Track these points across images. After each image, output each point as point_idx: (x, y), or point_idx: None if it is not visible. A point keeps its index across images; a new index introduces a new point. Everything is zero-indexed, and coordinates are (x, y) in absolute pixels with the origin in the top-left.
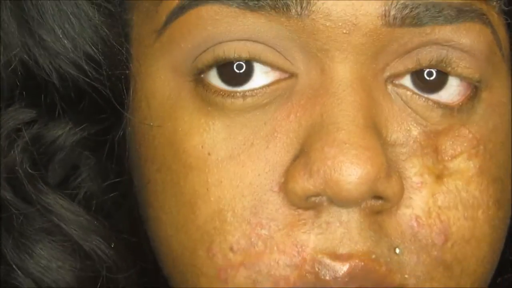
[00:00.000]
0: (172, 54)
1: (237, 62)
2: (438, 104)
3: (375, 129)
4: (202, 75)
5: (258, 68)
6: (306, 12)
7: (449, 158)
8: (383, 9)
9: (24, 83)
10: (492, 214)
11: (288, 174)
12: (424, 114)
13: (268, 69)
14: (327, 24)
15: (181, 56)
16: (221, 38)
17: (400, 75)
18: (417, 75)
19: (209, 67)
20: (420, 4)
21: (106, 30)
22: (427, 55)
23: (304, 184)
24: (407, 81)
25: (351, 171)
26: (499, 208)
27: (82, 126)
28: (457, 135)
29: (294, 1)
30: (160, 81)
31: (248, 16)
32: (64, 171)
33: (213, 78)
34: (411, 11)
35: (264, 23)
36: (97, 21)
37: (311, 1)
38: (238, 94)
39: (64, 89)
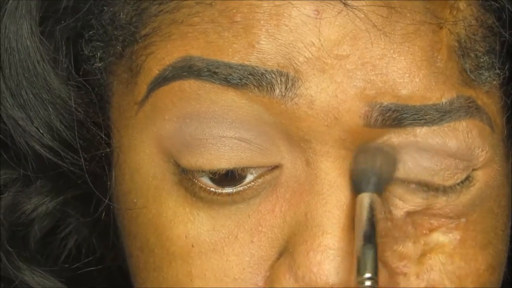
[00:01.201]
0: (156, 125)
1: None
2: (420, 188)
3: None
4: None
5: (250, 171)
6: (290, 94)
7: (427, 232)
8: (366, 109)
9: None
10: (484, 280)
11: (273, 273)
12: (404, 197)
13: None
14: (309, 113)
15: (166, 129)
16: (206, 127)
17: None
18: None
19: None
20: (402, 107)
21: (83, 112)
22: (412, 169)
23: (288, 287)
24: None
25: (337, 279)
26: (492, 273)
27: (63, 193)
28: (434, 214)
29: (279, 81)
30: (145, 155)
31: (231, 95)
32: (45, 230)
33: (203, 177)
34: (392, 114)
35: (246, 104)
36: (73, 105)
37: (296, 84)
38: (225, 193)
39: (42, 167)
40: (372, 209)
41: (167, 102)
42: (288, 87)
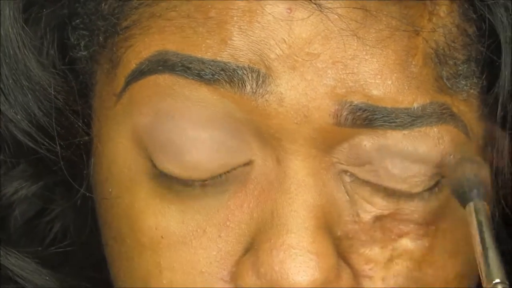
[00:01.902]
0: (132, 118)
1: None
2: (386, 192)
3: (326, 229)
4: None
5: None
6: (261, 90)
7: (396, 237)
8: (336, 107)
9: None
10: None
11: (237, 269)
12: (372, 200)
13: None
14: (279, 110)
15: (142, 123)
16: (180, 124)
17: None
18: None
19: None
20: (373, 108)
21: (62, 100)
22: (382, 175)
23: (251, 284)
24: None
25: (298, 278)
26: (461, 282)
27: (43, 177)
28: (403, 219)
29: (250, 77)
30: (121, 147)
31: (203, 91)
32: (28, 214)
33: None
34: (362, 113)
35: (218, 99)
36: (52, 92)
37: (267, 80)
38: (197, 183)
39: (20, 151)
40: (487, 215)
41: (143, 96)
42: (259, 83)
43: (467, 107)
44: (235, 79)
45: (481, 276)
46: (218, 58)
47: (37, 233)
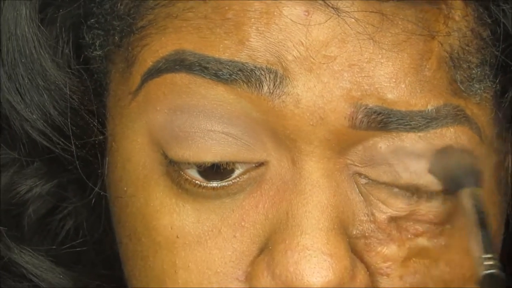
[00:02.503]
0: (148, 115)
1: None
2: (406, 193)
3: (340, 229)
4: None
5: (236, 167)
6: (278, 91)
7: (412, 237)
8: (351, 110)
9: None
10: (470, 286)
11: (252, 270)
12: (387, 202)
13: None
14: (295, 112)
15: (157, 120)
16: (195, 120)
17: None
18: None
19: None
20: (389, 111)
21: (77, 100)
22: (400, 172)
23: (266, 285)
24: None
25: (313, 279)
26: None
27: (58, 176)
28: (418, 220)
29: (267, 77)
30: (136, 145)
31: (220, 90)
32: (40, 212)
33: (190, 170)
34: (377, 117)
35: (235, 99)
36: (67, 92)
37: (284, 82)
38: (210, 186)
39: (36, 151)
40: (479, 200)
41: (159, 94)
42: (276, 84)
43: (480, 110)
44: (252, 79)
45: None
46: (236, 59)
47: (49, 230)
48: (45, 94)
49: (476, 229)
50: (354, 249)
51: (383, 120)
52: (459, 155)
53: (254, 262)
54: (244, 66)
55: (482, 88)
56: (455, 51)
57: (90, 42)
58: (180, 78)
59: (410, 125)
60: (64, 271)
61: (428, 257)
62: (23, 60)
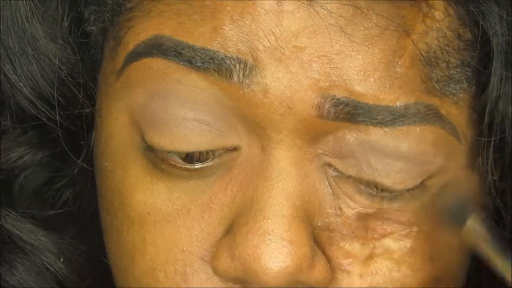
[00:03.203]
0: (130, 97)
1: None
2: (370, 191)
3: (304, 218)
4: None
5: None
6: (247, 81)
7: (378, 237)
8: (318, 100)
9: None
10: None
11: (215, 249)
12: (354, 197)
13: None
14: (264, 101)
15: (137, 102)
16: (171, 105)
17: (343, 175)
18: None
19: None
20: (356, 103)
21: (66, 71)
22: (364, 169)
23: (225, 265)
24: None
25: (270, 264)
26: (437, 285)
27: (48, 146)
28: (386, 218)
29: (237, 67)
30: (118, 123)
31: (194, 77)
32: (38, 181)
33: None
34: (344, 107)
35: (207, 86)
36: (57, 63)
37: (253, 71)
38: (184, 167)
39: (24, 117)
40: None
41: (138, 77)
42: (245, 74)
43: (457, 109)
44: (223, 68)
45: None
46: (209, 47)
47: (47, 199)
48: (34, 63)
49: (503, 256)
50: (318, 241)
51: (350, 111)
52: (457, 194)
53: (218, 243)
54: (215, 55)
55: (458, 89)
56: (432, 50)
57: (87, 17)
58: (156, 63)
59: (377, 119)
60: (46, 234)
61: (391, 259)
62: (15, 29)
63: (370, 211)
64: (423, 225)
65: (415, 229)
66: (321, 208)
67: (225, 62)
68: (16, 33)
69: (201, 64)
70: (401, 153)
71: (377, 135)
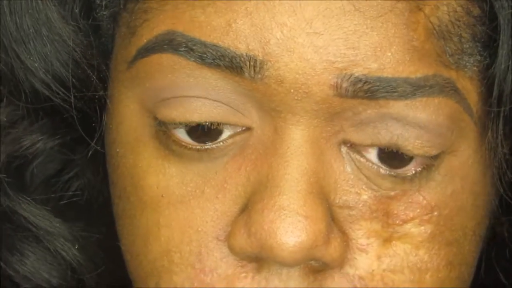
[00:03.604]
0: (139, 88)
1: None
2: (391, 173)
3: (319, 195)
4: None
5: (224, 128)
6: (259, 76)
7: (400, 223)
8: (335, 80)
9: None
10: (442, 277)
11: (231, 228)
12: (376, 181)
13: (228, 126)
14: (279, 90)
15: (147, 94)
16: (182, 91)
17: (358, 146)
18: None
19: (176, 125)
20: (374, 79)
21: (80, 53)
22: (383, 134)
23: (242, 242)
24: (372, 155)
25: (285, 238)
26: (451, 270)
27: (60, 133)
28: (410, 201)
29: (247, 64)
30: (129, 110)
31: (205, 71)
32: (47, 172)
33: (179, 132)
34: (363, 85)
35: (220, 78)
36: (71, 45)
37: (265, 66)
38: (195, 148)
39: (38, 101)
40: None
41: (147, 73)
42: (256, 70)
43: (471, 84)
44: (233, 65)
45: None
46: (220, 43)
47: (55, 191)
48: (48, 44)
49: None
50: (336, 218)
51: (370, 88)
52: None
53: (234, 221)
54: (226, 52)
55: (472, 62)
56: (444, 24)
57: (98, 2)
58: (166, 59)
59: (398, 91)
60: (62, 222)
61: (411, 243)
62: (29, 11)
63: (392, 193)
64: (443, 209)
65: (435, 213)
66: (337, 186)
67: (235, 60)
68: (30, 15)
69: (212, 61)
70: (420, 122)
71: (398, 107)
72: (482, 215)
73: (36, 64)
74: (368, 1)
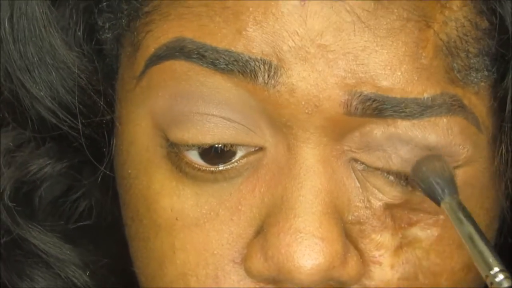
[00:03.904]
0: (150, 100)
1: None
2: (399, 181)
3: (334, 214)
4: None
5: (237, 149)
6: (273, 82)
7: (406, 226)
8: (346, 97)
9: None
10: (459, 279)
11: (247, 251)
12: (383, 189)
13: (241, 147)
14: (291, 100)
15: (159, 105)
16: (195, 103)
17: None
18: None
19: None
20: (382, 98)
21: (85, 79)
22: (393, 160)
23: (259, 266)
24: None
25: (303, 262)
26: (467, 273)
27: (68, 156)
28: (414, 208)
29: (262, 68)
30: (140, 129)
31: (218, 78)
32: (54, 193)
33: (192, 154)
34: (372, 103)
35: (232, 87)
36: (76, 71)
37: (278, 72)
38: (208, 170)
39: (45, 128)
40: (465, 209)
41: (160, 80)
42: (270, 75)
43: (478, 99)
44: (247, 70)
45: (480, 270)
46: (232, 49)
47: (63, 211)
48: (53, 72)
49: (472, 244)
50: (349, 235)
51: (378, 107)
52: (434, 164)
53: (249, 244)
54: (240, 57)
55: (479, 77)
56: (452, 40)
57: (102, 25)
58: (180, 65)
59: (405, 112)
60: (72, 248)
61: (420, 248)
62: (33, 39)
63: (397, 201)
64: None
65: (441, 217)
66: (350, 203)
67: (250, 64)
68: (34, 43)
69: (225, 66)
70: (429, 144)
71: (405, 127)
72: (491, 217)
73: (41, 93)
74: (377, 19)
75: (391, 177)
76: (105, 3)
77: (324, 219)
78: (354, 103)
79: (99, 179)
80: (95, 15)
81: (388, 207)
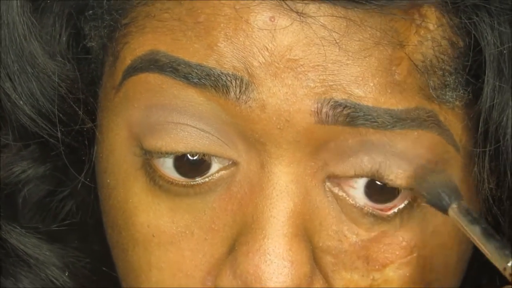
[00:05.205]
0: (128, 111)
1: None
2: (373, 212)
3: (304, 237)
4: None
5: (212, 161)
6: (244, 97)
7: (379, 267)
8: (316, 106)
9: None
10: None
11: (218, 269)
12: (357, 220)
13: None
14: (262, 116)
15: (135, 116)
16: (169, 114)
17: (343, 181)
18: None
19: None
20: (353, 104)
21: (65, 88)
22: (365, 162)
23: (228, 283)
24: (358, 191)
25: (270, 284)
26: None
27: (50, 160)
28: (389, 243)
29: (233, 83)
30: (119, 138)
31: (191, 92)
32: (40, 193)
33: (166, 167)
34: (343, 110)
35: (205, 101)
36: (56, 80)
37: (249, 88)
38: (181, 183)
39: (26, 134)
40: (470, 211)
41: (135, 92)
42: (242, 90)
43: (454, 117)
44: (219, 84)
45: (497, 265)
46: (204, 63)
47: (49, 211)
48: (33, 81)
49: (486, 240)
50: (318, 262)
51: (350, 114)
52: (438, 176)
53: (221, 263)
54: (211, 71)
55: (455, 96)
56: (428, 59)
57: (87, 32)
58: (154, 78)
59: (377, 122)
60: (52, 249)
61: None
62: (13, 47)
63: (372, 234)
64: (422, 249)
65: (415, 254)
66: (322, 228)
67: (222, 79)
68: (14, 52)
69: (198, 80)
70: (400, 153)
71: (378, 137)
72: (464, 249)
73: (21, 101)
74: (349, 37)
75: (365, 208)
76: (91, 11)
77: (294, 242)
78: (325, 110)
79: (84, 178)
80: (81, 23)
81: (363, 245)
